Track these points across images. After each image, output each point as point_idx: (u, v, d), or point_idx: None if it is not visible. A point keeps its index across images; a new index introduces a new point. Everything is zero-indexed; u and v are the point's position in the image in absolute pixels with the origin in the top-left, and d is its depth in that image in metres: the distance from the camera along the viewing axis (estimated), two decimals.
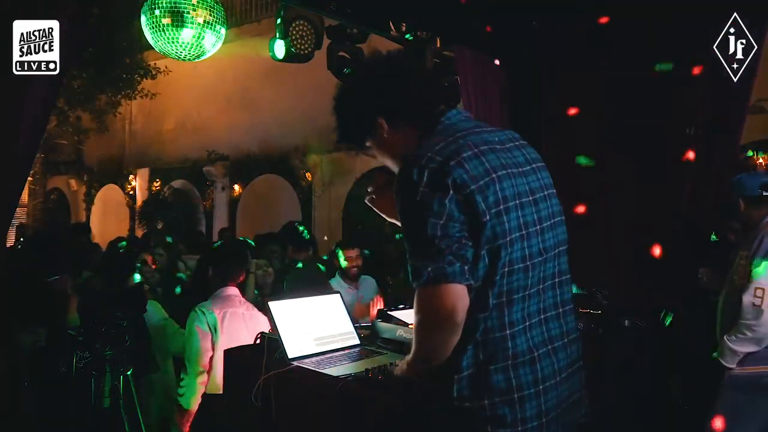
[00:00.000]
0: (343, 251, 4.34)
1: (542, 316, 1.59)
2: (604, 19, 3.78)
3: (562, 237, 1.66)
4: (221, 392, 3.12)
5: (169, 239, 6.17)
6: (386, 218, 1.86)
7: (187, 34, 3.50)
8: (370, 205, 1.90)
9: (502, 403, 1.48)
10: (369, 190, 1.90)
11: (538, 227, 1.58)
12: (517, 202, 1.54)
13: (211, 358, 3.15)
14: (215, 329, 3.15)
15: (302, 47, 3.99)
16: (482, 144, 1.57)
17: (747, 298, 2.87)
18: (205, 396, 3.18)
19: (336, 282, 4.33)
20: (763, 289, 2.84)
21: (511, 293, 1.52)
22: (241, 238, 6.21)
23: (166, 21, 3.44)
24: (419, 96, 1.69)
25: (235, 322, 3.21)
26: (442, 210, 1.45)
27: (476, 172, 1.49)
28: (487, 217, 1.47)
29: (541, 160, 1.70)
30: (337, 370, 1.95)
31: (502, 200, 1.51)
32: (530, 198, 1.58)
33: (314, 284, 4.36)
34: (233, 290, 3.35)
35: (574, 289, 1.87)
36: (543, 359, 1.54)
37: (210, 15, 3.55)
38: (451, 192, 1.46)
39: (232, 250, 3.77)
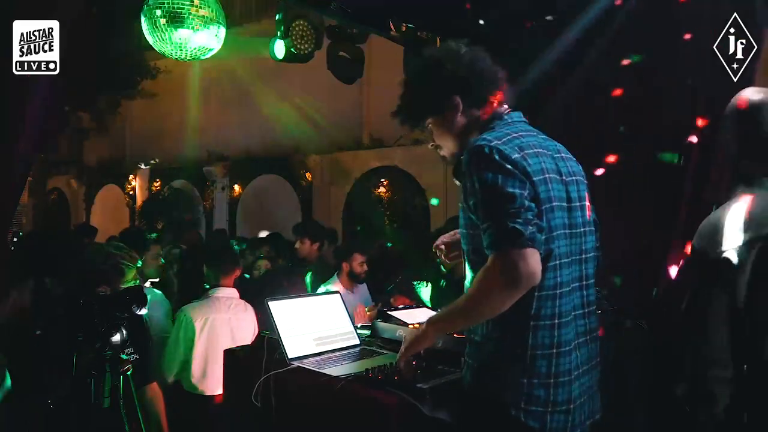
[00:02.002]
0: (358, 255, 4.35)
1: (574, 314, 1.70)
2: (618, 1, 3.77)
3: (590, 245, 1.79)
4: (197, 392, 3.18)
5: (154, 235, 6.16)
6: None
7: (186, 34, 3.49)
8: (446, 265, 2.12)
9: (540, 385, 1.61)
10: (442, 253, 2.08)
11: (568, 231, 1.70)
12: (557, 204, 1.67)
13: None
14: (192, 337, 3.17)
15: (302, 47, 3.99)
16: (538, 146, 1.71)
17: None
18: (183, 393, 3.20)
19: (335, 281, 4.35)
20: None
21: (555, 287, 1.64)
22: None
23: (165, 21, 3.44)
24: (497, 87, 1.80)
25: (218, 329, 3.19)
26: (523, 186, 1.58)
27: (536, 168, 1.63)
28: (541, 210, 1.60)
29: (581, 173, 1.82)
30: (337, 370, 1.95)
31: (549, 199, 1.64)
32: (566, 204, 1.71)
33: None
34: (226, 291, 3.31)
35: None
36: (573, 353, 1.67)
37: (210, 15, 3.55)
38: (524, 178, 1.59)
39: (223, 247, 3.75)
